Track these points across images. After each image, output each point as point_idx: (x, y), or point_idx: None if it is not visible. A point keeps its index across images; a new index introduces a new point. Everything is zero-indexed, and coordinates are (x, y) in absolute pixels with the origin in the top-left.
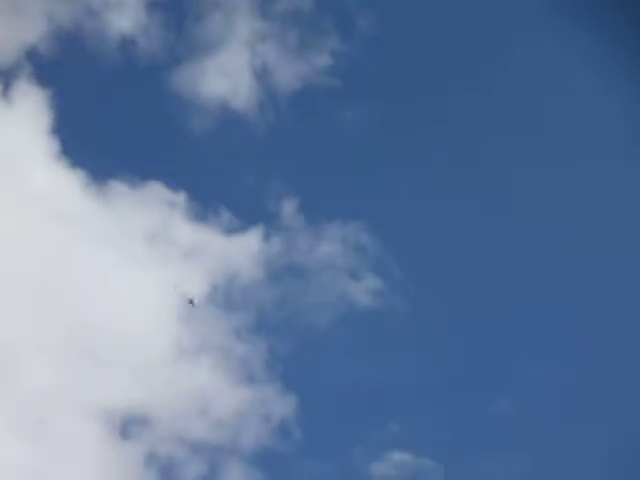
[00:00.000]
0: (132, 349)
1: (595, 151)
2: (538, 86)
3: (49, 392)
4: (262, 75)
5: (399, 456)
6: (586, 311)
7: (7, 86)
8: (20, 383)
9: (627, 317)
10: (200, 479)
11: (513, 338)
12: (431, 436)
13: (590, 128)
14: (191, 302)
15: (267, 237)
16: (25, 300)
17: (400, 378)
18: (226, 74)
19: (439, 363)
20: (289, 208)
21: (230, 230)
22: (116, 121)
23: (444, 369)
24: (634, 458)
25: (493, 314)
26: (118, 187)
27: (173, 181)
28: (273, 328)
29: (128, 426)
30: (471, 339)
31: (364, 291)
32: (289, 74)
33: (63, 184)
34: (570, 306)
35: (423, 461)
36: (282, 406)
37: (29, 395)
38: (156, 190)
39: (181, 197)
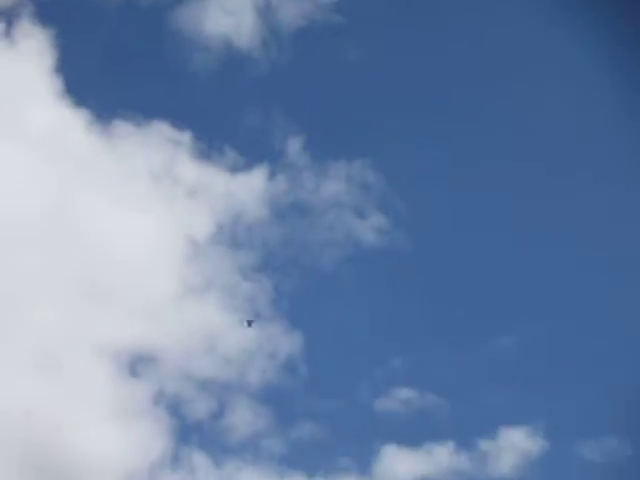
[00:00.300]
0: (138, 288)
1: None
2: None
3: (57, 332)
4: (265, 12)
5: (404, 392)
6: (590, 253)
7: (9, 25)
8: (27, 322)
9: (630, 258)
10: (208, 416)
11: (518, 275)
12: (436, 372)
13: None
14: (249, 323)
15: (272, 175)
16: (30, 241)
17: (405, 315)
18: (229, 12)
19: (444, 299)
20: (294, 146)
21: (235, 169)
22: (119, 60)
23: (449, 305)
24: (633, 394)
25: (497, 252)
26: (122, 126)
27: (177, 120)
28: (279, 266)
29: (136, 365)
30: (476, 276)
31: (369, 229)
32: (293, 11)
33: (67, 123)
34: (574, 247)
35: (428, 397)
36: (288, 343)
37: (37, 335)
38: (160, 129)
39: (186, 136)
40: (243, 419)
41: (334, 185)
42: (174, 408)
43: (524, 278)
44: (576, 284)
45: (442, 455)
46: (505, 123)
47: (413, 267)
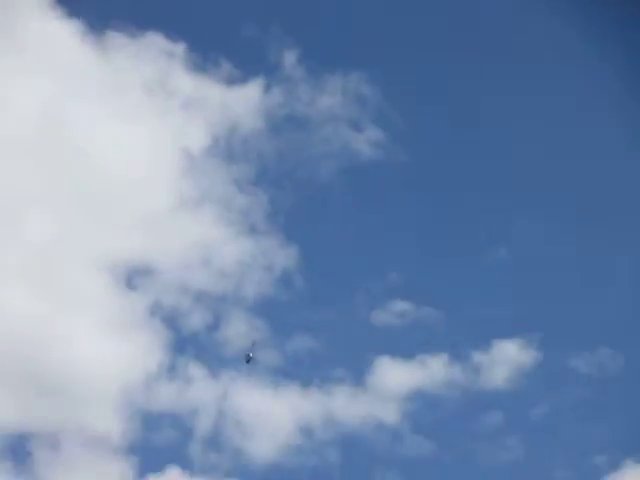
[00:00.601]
0: (134, 201)
1: None
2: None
3: (54, 244)
4: None
5: (399, 305)
6: (584, 174)
7: None
8: (25, 236)
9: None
10: (204, 328)
11: (514, 192)
12: (431, 285)
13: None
14: (249, 359)
15: (268, 88)
16: (27, 153)
17: (401, 228)
18: None
19: (440, 213)
20: (290, 59)
21: (230, 81)
22: None
23: (445, 218)
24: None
25: (495, 167)
26: (116, 38)
27: (172, 31)
28: (274, 179)
29: (133, 277)
30: (473, 190)
31: (365, 142)
32: None
33: (59, 35)
34: (570, 167)
35: (423, 310)
36: (284, 256)
37: (34, 248)
38: (155, 40)
39: (180, 47)
40: (239, 331)
41: (330, 98)
42: (170, 320)
43: (519, 189)
44: (573, 192)
45: (436, 367)
46: (505, 40)
47: (409, 180)
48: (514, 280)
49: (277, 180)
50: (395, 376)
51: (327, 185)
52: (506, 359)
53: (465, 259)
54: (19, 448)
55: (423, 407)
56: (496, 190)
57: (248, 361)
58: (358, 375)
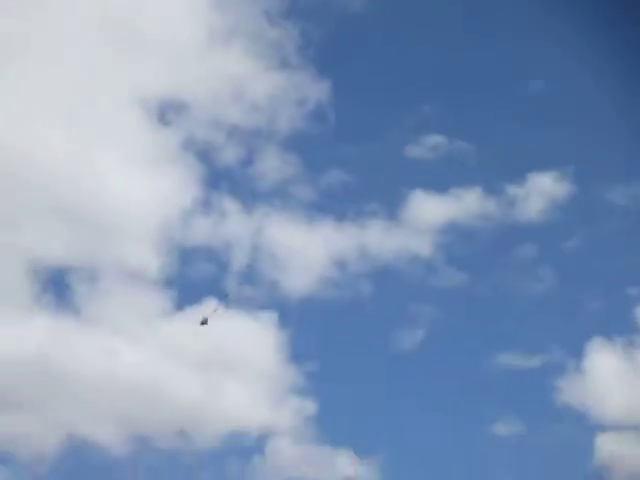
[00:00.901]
0: (165, 35)
1: None
2: None
3: (86, 81)
4: None
5: (433, 139)
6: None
7: None
8: (58, 74)
9: None
10: (237, 163)
11: (551, 25)
12: (465, 118)
13: None
14: (204, 322)
15: None
16: None
17: (435, 60)
18: None
19: (475, 45)
20: None
21: None
22: None
23: (480, 51)
24: None
25: None
26: None
27: None
28: (306, 11)
29: (165, 112)
30: (508, 21)
31: None
32: None
33: None
34: None
35: (457, 143)
36: (316, 90)
37: (68, 85)
38: None
39: None
40: (272, 166)
41: None
42: (204, 155)
43: (555, 21)
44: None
45: (470, 200)
46: None
47: (443, 12)
48: (550, 113)
49: (308, 12)
50: (429, 209)
51: (359, 17)
52: (541, 192)
53: (500, 91)
54: (59, 282)
55: (457, 240)
56: (533, 22)
57: (203, 323)
58: (392, 209)
